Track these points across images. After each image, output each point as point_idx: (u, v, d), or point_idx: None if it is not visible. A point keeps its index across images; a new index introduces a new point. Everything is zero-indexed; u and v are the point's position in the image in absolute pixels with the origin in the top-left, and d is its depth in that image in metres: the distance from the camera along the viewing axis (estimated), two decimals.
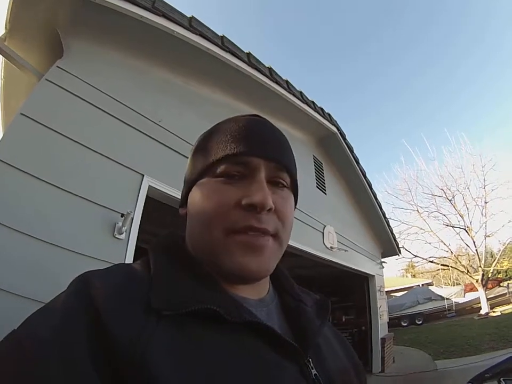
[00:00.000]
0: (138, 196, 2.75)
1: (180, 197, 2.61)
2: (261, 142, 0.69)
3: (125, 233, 2.56)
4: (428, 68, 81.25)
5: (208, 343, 0.53)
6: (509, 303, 20.57)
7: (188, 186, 0.74)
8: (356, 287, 10.00)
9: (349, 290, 10.39)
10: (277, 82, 4.49)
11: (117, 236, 2.50)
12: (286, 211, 0.69)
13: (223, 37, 3.59)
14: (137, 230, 2.71)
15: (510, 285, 22.15)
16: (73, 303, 0.51)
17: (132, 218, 2.63)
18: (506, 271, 26.20)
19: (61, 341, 0.46)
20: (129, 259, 2.55)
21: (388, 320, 10.81)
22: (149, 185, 2.87)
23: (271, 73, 4.33)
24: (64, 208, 2.29)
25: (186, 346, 0.51)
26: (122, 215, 2.54)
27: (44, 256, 2.08)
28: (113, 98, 2.84)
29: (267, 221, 0.64)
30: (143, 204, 2.80)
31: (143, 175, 2.84)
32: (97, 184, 2.52)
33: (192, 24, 3.22)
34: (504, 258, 22.91)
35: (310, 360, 0.64)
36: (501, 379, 2.64)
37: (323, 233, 6.32)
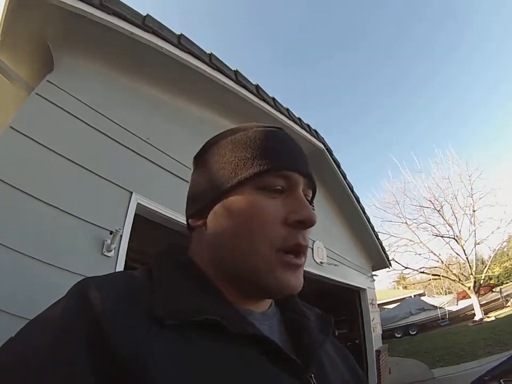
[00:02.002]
0: (127, 213, 2.72)
1: (167, 215, 2.55)
2: (299, 158, 0.71)
3: (113, 250, 2.52)
4: (410, 74, 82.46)
5: (210, 353, 0.52)
6: (502, 308, 20.68)
7: (213, 197, 0.69)
8: (348, 301, 9.94)
9: (340, 305, 10.31)
10: (264, 100, 4.48)
11: (105, 254, 2.46)
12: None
13: (211, 55, 3.60)
14: (126, 248, 2.68)
15: (502, 290, 22.26)
16: (72, 310, 0.51)
17: (121, 236, 2.59)
18: (498, 277, 26.34)
19: (61, 350, 0.45)
20: None
21: (381, 333, 10.76)
22: (138, 203, 2.85)
23: (258, 91, 4.33)
24: (52, 225, 2.25)
25: (188, 355, 0.50)
26: (111, 233, 2.50)
27: (30, 273, 2.03)
28: (101, 114, 2.82)
29: (307, 238, 0.66)
30: (132, 221, 2.78)
31: (132, 192, 2.81)
32: (86, 201, 2.49)
33: (181, 42, 3.23)
34: (495, 264, 23.04)
35: (312, 375, 0.63)
36: (501, 380, 2.63)
37: (312, 248, 6.28)
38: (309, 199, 0.73)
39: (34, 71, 2.76)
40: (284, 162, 0.66)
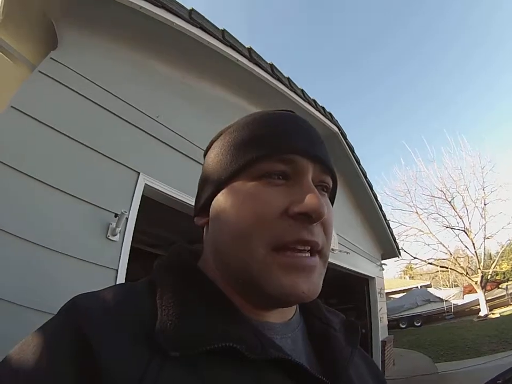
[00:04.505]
0: (133, 195, 2.62)
1: (177, 197, 2.43)
2: (307, 140, 0.59)
3: (119, 234, 2.43)
4: (429, 71, 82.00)
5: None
6: (508, 305, 20.64)
7: (212, 190, 0.61)
8: (356, 289, 9.93)
9: (349, 292, 10.34)
10: (278, 79, 4.34)
11: (110, 238, 2.38)
12: (331, 222, 0.60)
13: (223, 31, 3.46)
14: (132, 231, 2.59)
15: (509, 287, 22.19)
16: (61, 339, 0.44)
17: (127, 219, 2.50)
18: (504, 273, 26.28)
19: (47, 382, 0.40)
20: (123, 262, 2.43)
21: (387, 323, 10.75)
22: (145, 184, 2.74)
23: (272, 70, 4.19)
24: (54, 207, 2.16)
25: None
26: (116, 215, 2.41)
27: (32, 259, 1.96)
28: (108, 91, 2.72)
29: (317, 233, 0.54)
30: (139, 204, 2.68)
31: (139, 173, 2.71)
32: (90, 182, 2.40)
33: (192, 16, 3.09)
34: (503, 260, 23.00)
35: None
36: None
37: None
38: (327, 186, 0.63)
39: (39, 50, 2.67)
40: (285, 145, 0.56)
